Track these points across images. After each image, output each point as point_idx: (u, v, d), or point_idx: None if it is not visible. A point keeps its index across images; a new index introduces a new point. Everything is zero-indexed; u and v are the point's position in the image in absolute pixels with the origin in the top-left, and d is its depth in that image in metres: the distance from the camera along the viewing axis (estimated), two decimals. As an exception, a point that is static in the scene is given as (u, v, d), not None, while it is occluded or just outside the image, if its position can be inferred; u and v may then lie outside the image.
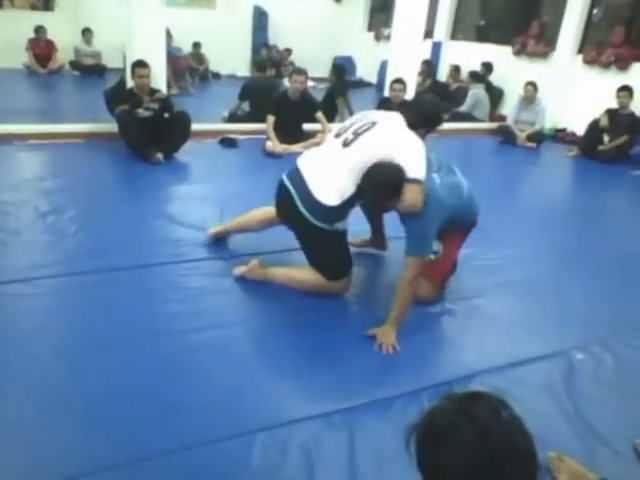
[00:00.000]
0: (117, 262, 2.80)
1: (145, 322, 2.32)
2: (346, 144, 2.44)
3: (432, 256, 2.53)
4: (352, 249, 2.76)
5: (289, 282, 2.65)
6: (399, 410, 1.91)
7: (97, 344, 2.14)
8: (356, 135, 2.44)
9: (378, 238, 3.10)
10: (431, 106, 2.68)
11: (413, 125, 2.47)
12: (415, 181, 2.28)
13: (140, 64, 4.61)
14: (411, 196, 2.28)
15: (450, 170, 2.65)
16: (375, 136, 2.42)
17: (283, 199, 2.58)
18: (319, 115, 5.45)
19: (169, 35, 8.18)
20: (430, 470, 0.95)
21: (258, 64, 7.14)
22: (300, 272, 2.65)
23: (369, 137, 2.42)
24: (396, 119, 2.51)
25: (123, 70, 5.69)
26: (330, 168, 2.46)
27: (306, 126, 5.60)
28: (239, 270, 2.71)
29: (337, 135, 2.52)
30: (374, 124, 2.45)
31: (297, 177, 2.51)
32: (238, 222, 3.06)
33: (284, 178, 2.58)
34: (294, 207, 2.48)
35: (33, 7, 9.90)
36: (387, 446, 1.71)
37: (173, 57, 8.84)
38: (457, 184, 2.58)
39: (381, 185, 2.31)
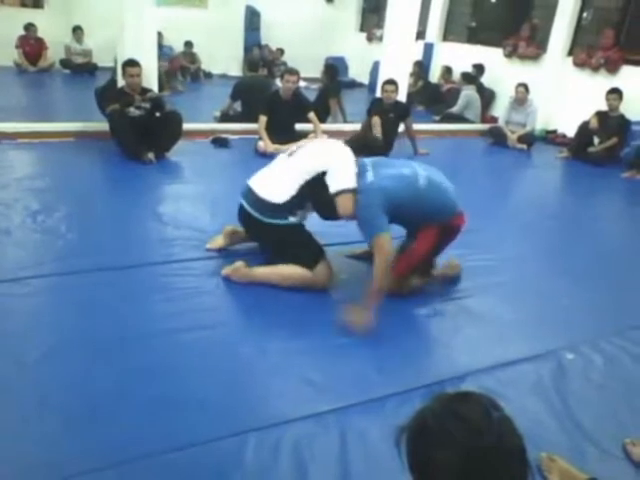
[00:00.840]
0: (108, 262, 2.78)
1: (136, 322, 2.31)
2: (290, 154, 2.80)
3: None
4: (348, 258, 3.05)
5: (275, 280, 2.70)
6: (391, 410, 1.91)
7: (87, 344, 2.13)
8: (299, 148, 2.82)
9: None
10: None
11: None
12: (341, 192, 2.55)
13: (131, 63, 4.59)
14: (341, 206, 2.56)
15: (391, 165, 2.70)
16: (313, 148, 2.81)
17: (240, 214, 2.84)
18: (311, 115, 5.45)
19: (160, 34, 8.17)
20: (421, 471, 0.95)
21: (250, 64, 7.15)
22: (284, 268, 2.72)
23: (308, 148, 2.80)
24: (333, 141, 2.88)
25: (114, 69, 5.67)
26: (274, 174, 2.78)
27: (298, 126, 5.60)
28: (225, 271, 2.72)
29: (288, 154, 2.83)
30: (314, 143, 2.94)
31: (247, 190, 2.80)
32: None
33: (240, 198, 2.83)
34: (247, 215, 2.75)
35: (23, 4, 9.84)
36: (379, 446, 1.72)
37: (166, 58, 8.80)
38: (401, 174, 2.61)
39: (318, 209, 2.79)
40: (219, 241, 3.06)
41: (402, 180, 2.57)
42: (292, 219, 2.70)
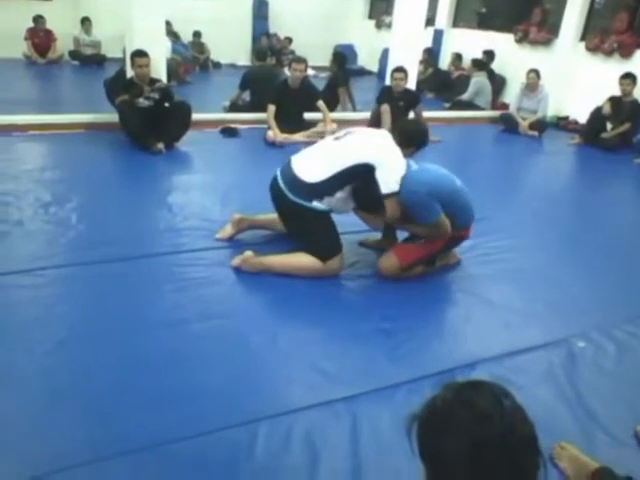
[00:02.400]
0: (118, 252, 2.80)
1: (146, 312, 2.33)
2: (337, 138, 2.76)
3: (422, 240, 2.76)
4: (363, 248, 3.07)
5: (285, 269, 2.69)
6: (402, 398, 1.91)
7: (98, 334, 2.15)
8: (347, 134, 2.76)
9: (390, 239, 3.09)
10: (414, 127, 3.01)
11: (401, 144, 2.72)
12: (390, 195, 2.59)
13: (139, 54, 4.59)
14: (390, 208, 2.63)
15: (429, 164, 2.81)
16: (362, 138, 2.74)
17: (271, 186, 2.81)
18: (320, 103, 5.42)
19: (169, 24, 8.14)
20: (432, 459, 0.95)
21: (258, 53, 7.11)
22: (295, 257, 2.72)
23: (357, 137, 2.73)
24: (384, 135, 2.80)
25: (123, 60, 5.66)
26: (315, 154, 2.76)
27: (307, 115, 5.58)
28: (235, 262, 2.72)
29: (334, 137, 2.82)
30: (365, 131, 2.87)
31: (286, 165, 2.78)
32: (265, 218, 3.11)
33: (277, 170, 2.82)
34: (278, 187, 2.72)
35: (32, -4, 9.85)
36: (390, 434, 1.72)
37: (180, 55, 8.73)
38: (441, 170, 2.76)
39: (358, 200, 2.77)
40: (228, 230, 3.06)
41: (443, 176, 2.72)
42: (316, 204, 2.64)
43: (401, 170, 2.62)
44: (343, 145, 2.69)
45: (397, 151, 2.68)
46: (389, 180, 2.58)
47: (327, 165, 2.63)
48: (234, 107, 6.25)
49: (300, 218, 2.70)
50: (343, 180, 2.63)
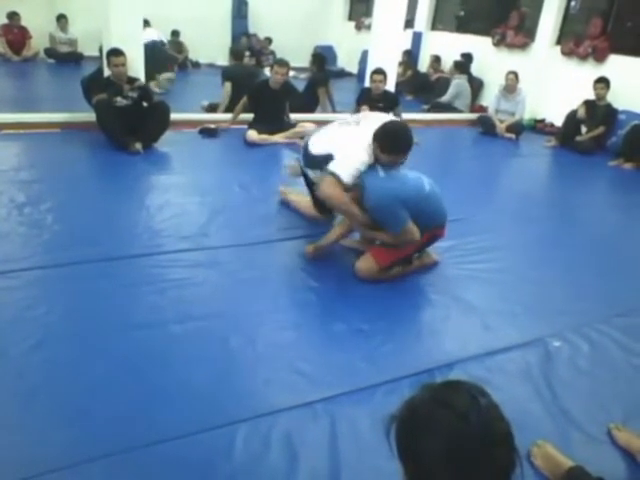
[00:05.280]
0: (95, 254, 2.76)
1: (125, 314, 2.30)
2: (348, 123, 2.99)
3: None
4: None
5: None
6: (380, 399, 1.92)
7: (74, 336, 2.12)
8: (362, 120, 2.96)
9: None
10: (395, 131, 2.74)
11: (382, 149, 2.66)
12: (332, 174, 2.68)
13: (114, 52, 4.52)
14: (324, 186, 2.72)
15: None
16: (357, 129, 2.85)
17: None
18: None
19: (147, 23, 8.04)
20: (410, 459, 0.95)
21: (234, 52, 6.93)
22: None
23: (360, 127, 2.86)
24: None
25: (100, 58, 5.59)
26: (329, 130, 3.04)
27: (289, 116, 5.57)
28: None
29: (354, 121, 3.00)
30: (367, 123, 2.89)
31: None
32: (301, 199, 3.50)
33: None
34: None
35: (6, -8, 9.67)
36: (369, 435, 1.73)
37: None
38: (407, 176, 2.75)
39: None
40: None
41: (411, 181, 2.72)
42: (310, 172, 3.07)
43: (356, 164, 2.65)
44: (355, 130, 2.87)
45: (363, 151, 2.68)
46: (339, 165, 2.69)
47: (327, 142, 2.91)
48: (213, 107, 6.21)
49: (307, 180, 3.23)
50: (318, 163, 2.88)
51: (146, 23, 9.51)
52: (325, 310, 2.53)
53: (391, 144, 2.64)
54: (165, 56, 8.33)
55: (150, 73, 7.58)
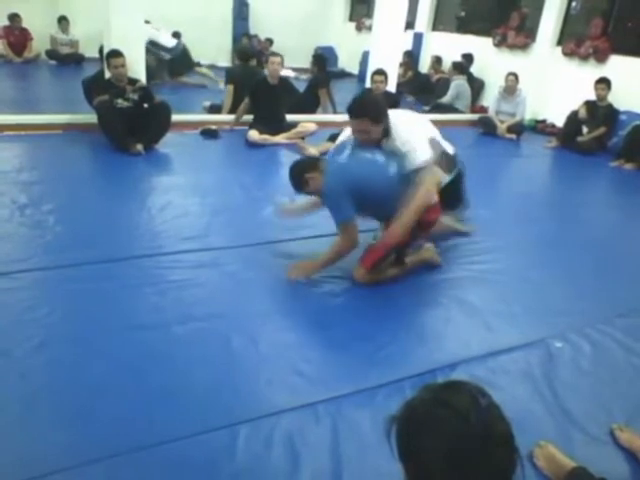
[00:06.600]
0: (97, 255, 2.76)
1: (126, 315, 2.30)
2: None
3: (372, 240, 2.84)
4: None
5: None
6: (382, 400, 1.92)
7: (77, 337, 2.12)
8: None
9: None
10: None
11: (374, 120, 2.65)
12: (424, 168, 2.65)
13: (114, 54, 4.53)
14: (429, 186, 2.67)
15: (371, 151, 2.70)
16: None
17: None
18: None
19: (148, 23, 8.05)
20: (411, 459, 0.96)
21: (241, 53, 6.77)
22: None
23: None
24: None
25: (101, 60, 5.60)
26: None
27: (289, 117, 5.58)
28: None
29: None
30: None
31: None
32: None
33: None
34: None
35: (7, -6, 9.69)
36: (371, 436, 1.73)
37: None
38: (374, 160, 2.67)
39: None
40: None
41: (373, 164, 2.65)
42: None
43: (422, 139, 2.73)
44: None
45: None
46: (418, 152, 2.67)
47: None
48: (214, 108, 6.22)
49: None
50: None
51: (175, 35, 9.64)
52: (327, 311, 2.52)
53: (381, 110, 2.68)
54: (190, 56, 8.86)
55: (180, 71, 8.36)
